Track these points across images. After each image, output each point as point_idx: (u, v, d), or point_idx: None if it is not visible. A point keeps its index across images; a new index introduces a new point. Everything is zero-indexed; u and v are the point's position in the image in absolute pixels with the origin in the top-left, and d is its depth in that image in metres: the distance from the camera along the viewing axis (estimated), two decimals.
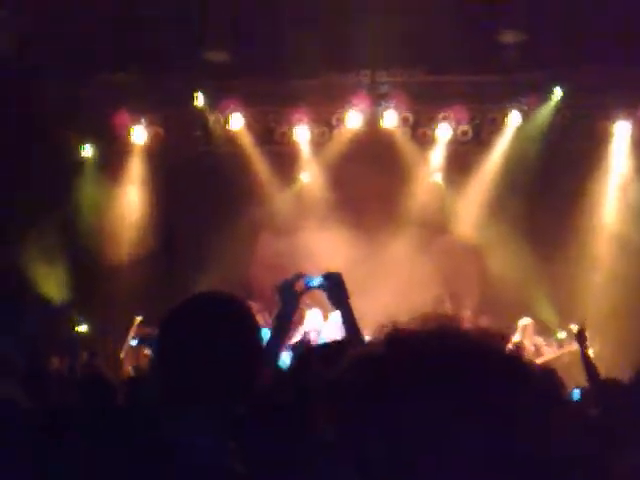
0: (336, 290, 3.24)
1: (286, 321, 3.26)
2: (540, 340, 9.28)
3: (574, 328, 9.02)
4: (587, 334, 5.02)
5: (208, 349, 1.64)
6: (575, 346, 8.45)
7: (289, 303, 3.22)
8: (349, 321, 3.26)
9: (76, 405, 3.72)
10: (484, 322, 9.93)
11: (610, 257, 10.16)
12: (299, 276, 3.29)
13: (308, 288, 3.30)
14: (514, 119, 10.60)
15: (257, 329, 1.77)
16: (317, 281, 3.26)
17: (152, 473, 1.58)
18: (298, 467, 2.45)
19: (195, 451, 1.56)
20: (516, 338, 9.21)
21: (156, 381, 1.74)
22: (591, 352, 8.83)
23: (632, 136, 10.41)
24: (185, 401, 1.63)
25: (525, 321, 9.36)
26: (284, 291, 3.21)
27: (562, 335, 9.17)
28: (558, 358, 8.87)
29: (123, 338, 9.12)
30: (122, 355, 8.89)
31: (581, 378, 5.44)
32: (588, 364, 4.58)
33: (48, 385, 5.05)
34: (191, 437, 1.57)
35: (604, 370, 8.49)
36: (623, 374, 8.31)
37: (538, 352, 9.14)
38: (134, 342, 8.83)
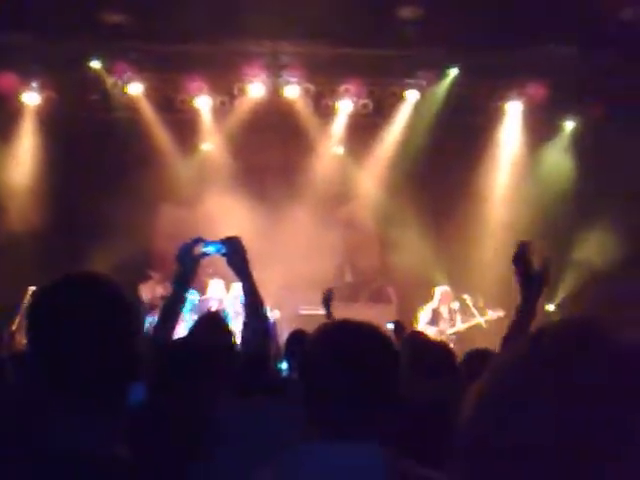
0: (235, 256, 3.21)
1: (183, 285, 3.23)
2: (456, 306, 9.56)
3: (467, 299, 9.53)
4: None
5: (79, 334, 1.54)
6: (489, 316, 8.97)
7: (187, 267, 3.19)
8: (249, 287, 3.22)
9: None
10: (392, 293, 10.27)
11: (499, 231, 10.67)
12: (198, 240, 3.25)
13: (207, 253, 3.27)
14: (412, 94, 10.87)
15: (134, 314, 1.66)
16: (215, 246, 3.23)
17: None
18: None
19: (73, 436, 1.49)
20: (433, 305, 9.51)
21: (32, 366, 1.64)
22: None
23: (523, 114, 10.88)
24: (63, 388, 1.54)
25: (442, 288, 9.64)
26: (182, 255, 3.18)
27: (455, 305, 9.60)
28: (475, 325, 9.26)
29: (16, 310, 8.82)
30: (14, 327, 8.61)
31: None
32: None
33: None
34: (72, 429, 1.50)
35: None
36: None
37: (452, 319, 9.47)
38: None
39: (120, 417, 1.60)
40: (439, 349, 3.98)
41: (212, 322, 4.16)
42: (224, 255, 3.22)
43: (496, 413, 0.77)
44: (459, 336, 9.35)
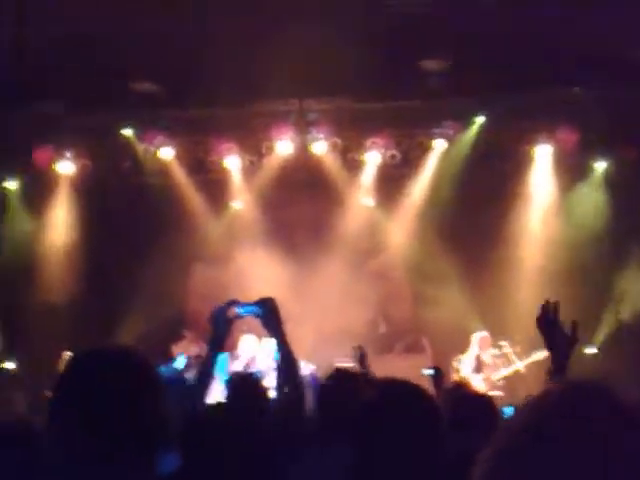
0: (270, 316, 3.25)
1: (217, 347, 3.26)
2: (496, 352, 9.36)
3: (505, 345, 9.32)
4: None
5: (109, 401, 1.58)
6: (538, 355, 8.77)
7: (221, 330, 3.22)
8: (283, 348, 3.26)
9: None
10: (426, 343, 10.11)
11: (535, 275, 10.48)
12: (232, 303, 3.30)
13: (241, 315, 3.30)
14: (439, 144, 10.89)
15: (159, 386, 1.69)
16: (249, 308, 3.27)
17: None
18: None
19: None
20: (474, 352, 9.31)
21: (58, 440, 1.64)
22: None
23: (552, 158, 10.80)
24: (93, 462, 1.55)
25: (481, 334, 9.46)
26: (216, 318, 3.22)
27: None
28: (523, 369, 9.01)
29: (52, 374, 8.85)
30: (50, 393, 8.62)
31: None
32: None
33: None
34: None
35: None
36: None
37: (495, 364, 9.25)
38: None
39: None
40: (482, 401, 3.84)
41: (245, 385, 4.17)
42: (258, 317, 3.28)
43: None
44: (505, 382, 9.10)
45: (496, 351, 9.33)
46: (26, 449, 3.11)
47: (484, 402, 3.82)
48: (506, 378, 9.17)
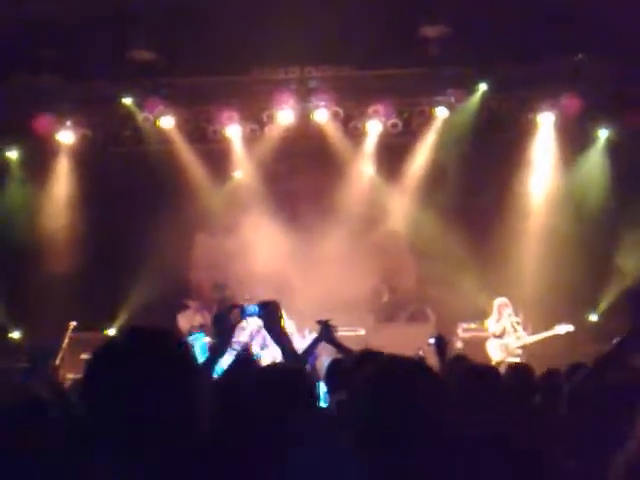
0: (271, 320, 3.29)
1: (220, 352, 3.27)
2: (517, 319, 9.40)
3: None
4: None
5: (141, 392, 1.55)
6: (558, 330, 8.87)
7: (224, 334, 3.26)
8: (285, 351, 3.27)
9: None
10: (429, 313, 10.18)
11: (537, 244, 10.52)
12: (233, 307, 3.35)
13: (243, 318, 3.36)
14: (441, 112, 10.82)
15: (194, 369, 1.67)
16: (251, 310, 3.32)
17: None
18: None
19: None
20: (494, 317, 9.39)
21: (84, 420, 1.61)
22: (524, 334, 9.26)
23: (556, 126, 10.75)
24: (118, 448, 1.54)
25: (500, 300, 9.48)
26: (219, 322, 3.26)
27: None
28: (544, 340, 9.11)
29: (59, 344, 8.94)
30: (57, 362, 8.70)
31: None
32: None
33: None
34: None
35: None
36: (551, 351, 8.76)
37: (515, 331, 9.32)
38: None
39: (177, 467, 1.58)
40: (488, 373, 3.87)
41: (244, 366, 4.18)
42: (260, 317, 3.32)
43: None
44: (525, 350, 9.20)
45: (518, 319, 9.39)
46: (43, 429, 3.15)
47: (488, 373, 3.84)
48: (524, 346, 9.24)
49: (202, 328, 9.46)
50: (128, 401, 1.53)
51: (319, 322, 4.77)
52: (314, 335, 8.63)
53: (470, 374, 3.69)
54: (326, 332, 4.76)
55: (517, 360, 8.92)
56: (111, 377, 1.57)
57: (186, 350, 1.66)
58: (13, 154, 11.00)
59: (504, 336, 9.31)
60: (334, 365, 5.05)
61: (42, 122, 10.74)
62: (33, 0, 8.87)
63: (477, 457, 2.84)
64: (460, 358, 5.42)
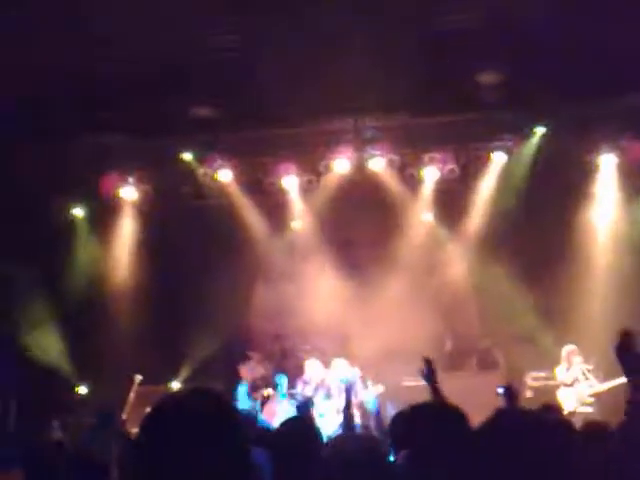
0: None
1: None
2: (588, 367, 9.15)
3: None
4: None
5: (194, 460, 1.53)
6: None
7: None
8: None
9: None
10: (499, 356, 9.95)
11: (602, 287, 10.25)
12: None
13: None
14: (499, 157, 10.75)
15: (246, 437, 1.66)
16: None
17: None
18: None
19: None
20: (564, 366, 9.16)
21: None
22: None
23: (618, 167, 10.56)
24: None
25: (569, 347, 9.25)
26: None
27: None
28: (618, 387, 8.80)
29: (124, 398, 9.04)
30: (125, 416, 8.79)
31: None
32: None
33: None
34: None
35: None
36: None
37: (587, 379, 9.05)
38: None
39: None
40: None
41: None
42: None
43: None
44: (598, 399, 8.88)
45: (588, 366, 9.11)
46: None
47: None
48: (596, 395, 8.93)
49: (263, 380, 9.45)
50: (178, 462, 1.53)
51: (425, 359, 4.64)
52: (379, 387, 8.57)
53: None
54: (428, 371, 4.61)
55: (590, 409, 8.62)
56: (162, 438, 1.56)
57: (237, 414, 1.66)
58: (79, 212, 11.35)
59: (575, 384, 9.02)
60: (400, 418, 4.94)
61: (108, 181, 11.10)
62: (99, 60, 9.23)
63: None
64: (549, 407, 5.25)
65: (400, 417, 4.97)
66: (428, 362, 4.61)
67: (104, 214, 11.31)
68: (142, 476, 1.57)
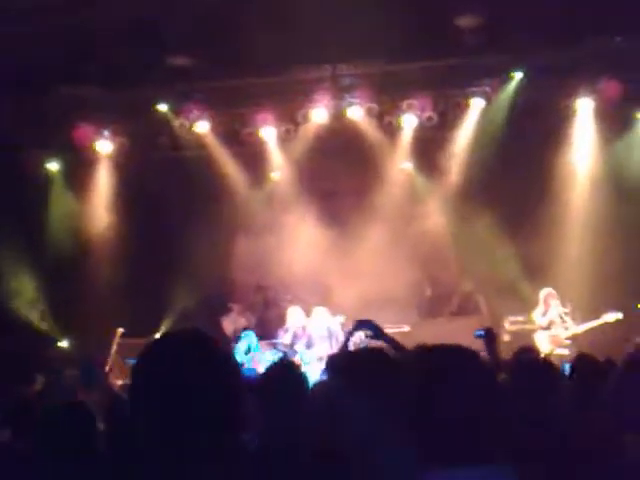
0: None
1: None
2: (564, 310, 9.25)
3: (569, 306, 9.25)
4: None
5: (188, 395, 1.57)
6: (606, 318, 8.73)
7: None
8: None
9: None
10: (481, 302, 10.08)
11: (580, 231, 10.36)
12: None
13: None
14: (477, 102, 10.70)
15: (237, 371, 1.71)
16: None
17: None
18: None
19: None
20: (540, 309, 9.26)
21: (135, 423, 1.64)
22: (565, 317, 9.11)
23: (595, 111, 10.56)
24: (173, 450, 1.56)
25: (546, 290, 9.33)
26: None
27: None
28: (594, 329, 8.95)
29: (107, 351, 9.07)
30: (107, 368, 8.83)
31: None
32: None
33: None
34: None
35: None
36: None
37: (563, 321, 9.18)
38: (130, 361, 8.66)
39: (234, 467, 1.61)
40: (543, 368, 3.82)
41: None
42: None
43: None
44: (574, 341, 9.04)
45: (566, 309, 9.23)
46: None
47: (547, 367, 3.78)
48: (573, 337, 9.08)
49: (246, 330, 9.51)
50: (173, 402, 1.57)
51: (363, 324, 4.70)
52: (359, 333, 8.65)
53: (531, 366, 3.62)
54: (375, 332, 4.69)
55: (566, 351, 8.78)
56: (155, 379, 1.60)
57: (227, 353, 1.71)
58: (54, 165, 11.20)
59: (552, 327, 9.16)
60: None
61: (81, 133, 10.92)
62: (69, 12, 8.99)
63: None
64: (526, 349, 5.31)
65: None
66: (368, 324, 4.72)
67: (80, 167, 11.16)
68: (138, 415, 1.60)
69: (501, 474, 1.66)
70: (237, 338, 9.30)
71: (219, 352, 1.66)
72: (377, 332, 4.73)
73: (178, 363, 1.60)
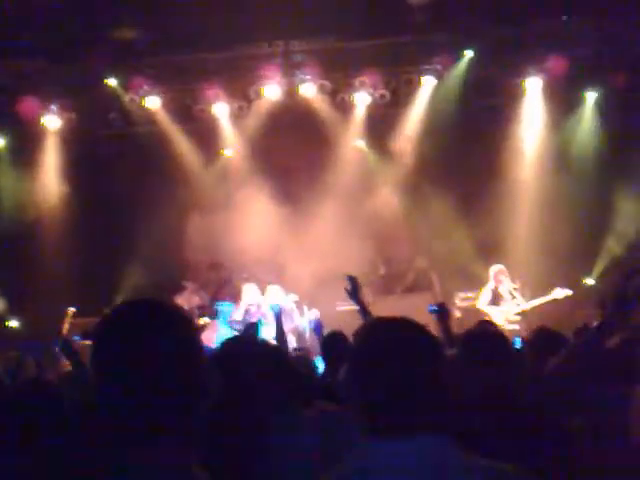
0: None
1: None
2: (514, 285, 9.36)
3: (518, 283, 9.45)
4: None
5: (149, 364, 1.53)
6: (556, 295, 8.92)
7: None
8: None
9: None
10: (435, 278, 10.22)
11: (529, 208, 10.58)
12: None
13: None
14: (429, 80, 10.78)
15: (198, 338, 1.67)
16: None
17: None
18: None
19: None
20: (490, 286, 9.39)
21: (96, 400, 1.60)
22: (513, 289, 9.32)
23: (543, 89, 10.75)
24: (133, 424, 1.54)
25: (497, 267, 9.42)
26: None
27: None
28: (542, 305, 9.12)
29: (58, 331, 8.94)
30: (57, 349, 8.70)
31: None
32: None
33: None
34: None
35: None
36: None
37: (513, 297, 9.31)
38: (77, 338, 8.57)
39: (194, 439, 1.59)
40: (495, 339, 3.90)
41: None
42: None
43: None
44: (524, 316, 9.21)
45: (515, 285, 9.38)
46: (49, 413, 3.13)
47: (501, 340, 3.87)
48: (523, 313, 9.27)
49: (200, 309, 9.48)
50: (136, 369, 1.54)
51: (349, 277, 4.77)
52: (314, 311, 8.71)
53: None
54: (354, 288, 4.76)
55: (516, 327, 8.99)
56: (116, 345, 1.57)
57: (185, 314, 1.67)
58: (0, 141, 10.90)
59: (501, 303, 9.36)
60: (332, 338, 5.06)
61: (27, 106, 10.60)
62: None
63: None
64: (485, 322, 5.41)
65: (332, 337, 5.11)
66: (352, 280, 4.75)
67: (27, 143, 10.87)
68: (101, 384, 1.57)
69: (439, 444, 1.69)
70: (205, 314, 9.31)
71: (180, 317, 1.64)
72: (355, 291, 4.77)
73: (139, 328, 1.57)
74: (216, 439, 2.49)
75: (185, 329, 1.61)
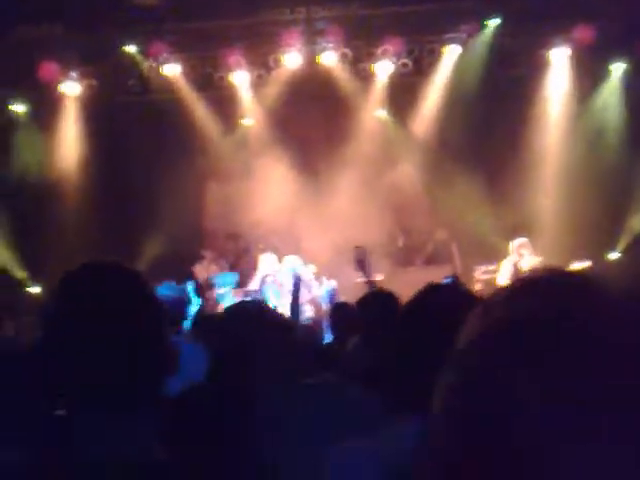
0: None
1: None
2: (537, 259, 9.10)
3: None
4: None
5: (105, 326, 1.43)
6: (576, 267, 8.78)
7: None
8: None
9: None
10: (455, 250, 10.10)
11: (554, 182, 10.41)
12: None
13: None
14: (453, 49, 10.58)
15: (160, 304, 1.57)
16: None
17: None
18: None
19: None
20: (513, 259, 9.17)
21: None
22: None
23: (570, 60, 10.51)
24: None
25: (520, 240, 9.17)
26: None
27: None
28: None
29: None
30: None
31: None
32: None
33: None
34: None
35: None
36: None
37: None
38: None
39: (155, 415, 1.49)
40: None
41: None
42: None
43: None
44: None
45: (537, 258, 9.19)
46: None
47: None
48: None
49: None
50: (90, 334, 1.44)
51: (357, 247, 4.84)
52: (332, 282, 8.68)
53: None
54: (361, 256, 4.79)
55: None
56: (73, 311, 1.47)
57: (146, 282, 1.56)
58: (20, 107, 10.88)
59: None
60: (338, 309, 5.06)
61: (47, 70, 10.55)
62: None
63: None
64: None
65: (340, 308, 5.08)
66: (360, 250, 4.78)
67: (46, 110, 10.83)
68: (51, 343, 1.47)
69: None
70: (211, 285, 9.25)
71: (140, 283, 1.54)
72: (364, 262, 4.80)
73: (97, 291, 1.48)
74: (212, 406, 2.46)
75: (144, 297, 1.51)
